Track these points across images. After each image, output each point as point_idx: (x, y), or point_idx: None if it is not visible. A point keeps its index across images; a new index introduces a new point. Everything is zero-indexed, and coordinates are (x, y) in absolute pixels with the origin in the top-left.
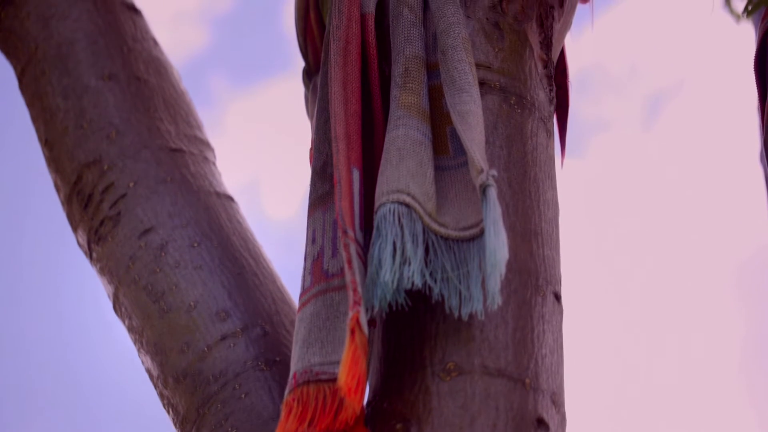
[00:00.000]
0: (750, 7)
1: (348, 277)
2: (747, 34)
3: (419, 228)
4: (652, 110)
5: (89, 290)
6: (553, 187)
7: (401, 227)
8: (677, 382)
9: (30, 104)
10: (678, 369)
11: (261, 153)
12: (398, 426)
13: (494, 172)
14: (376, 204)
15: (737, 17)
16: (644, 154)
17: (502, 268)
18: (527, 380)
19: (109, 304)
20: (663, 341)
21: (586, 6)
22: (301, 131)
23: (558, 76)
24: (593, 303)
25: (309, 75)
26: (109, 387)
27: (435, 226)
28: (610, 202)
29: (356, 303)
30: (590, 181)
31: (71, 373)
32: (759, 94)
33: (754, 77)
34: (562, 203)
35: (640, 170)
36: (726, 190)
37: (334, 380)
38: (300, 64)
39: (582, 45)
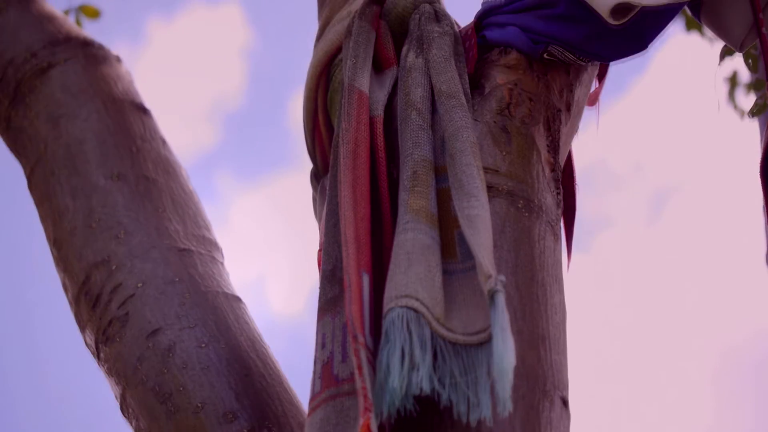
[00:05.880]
0: (755, 110)
1: (359, 384)
2: (750, 133)
3: (427, 333)
4: (656, 207)
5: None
6: (561, 291)
7: (409, 332)
8: None
9: (39, 204)
10: None
11: (267, 248)
12: None
13: (503, 278)
14: (385, 309)
15: (741, 114)
16: (648, 250)
17: (510, 375)
18: None
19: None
20: None
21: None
22: (306, 225)
23: (565, 179)
24: (599, 408)
25: (317, 176)
26: None
27: (443, 331)
28: (614, 297)
29: (367, 409)
30: (594, 276)
31: None
32: (765, 199)
33: (759, 182)
34: (567, 298)
35: (643, 265)
36: (725, 285)
37: None
38: (305, 159)
39: (586, 142)
